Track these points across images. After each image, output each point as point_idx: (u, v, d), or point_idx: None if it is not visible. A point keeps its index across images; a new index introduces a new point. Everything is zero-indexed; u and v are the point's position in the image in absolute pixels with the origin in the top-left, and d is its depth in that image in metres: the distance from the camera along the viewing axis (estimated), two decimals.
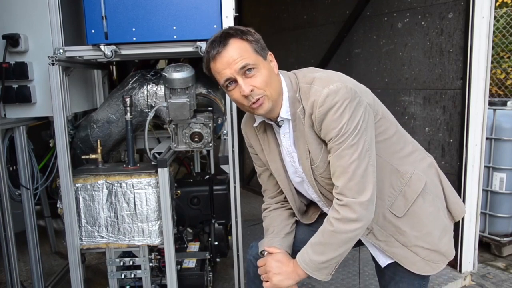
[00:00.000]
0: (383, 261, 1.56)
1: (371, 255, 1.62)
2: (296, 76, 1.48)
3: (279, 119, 1.48)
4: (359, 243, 1.58)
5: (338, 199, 1.39)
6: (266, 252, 1.59)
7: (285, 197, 1.67)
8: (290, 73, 1.51)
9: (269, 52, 1.46)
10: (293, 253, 1.65)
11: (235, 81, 1.38)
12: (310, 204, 1.73)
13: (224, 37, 1.38)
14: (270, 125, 1.56)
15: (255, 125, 1.57)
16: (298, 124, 1.45)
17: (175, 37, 2.12)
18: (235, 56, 1.36)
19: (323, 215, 1.68)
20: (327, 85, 1.36)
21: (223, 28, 1.46)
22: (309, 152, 1.45)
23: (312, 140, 1.43)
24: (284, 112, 1.46)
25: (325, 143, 1.41)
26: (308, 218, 1.71)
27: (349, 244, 1.41)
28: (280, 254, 1.55)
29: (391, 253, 1.50)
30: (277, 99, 1.43)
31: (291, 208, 1.69)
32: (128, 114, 2.25)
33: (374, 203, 1.39)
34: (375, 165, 1.39)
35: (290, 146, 1.52)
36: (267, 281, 1.51)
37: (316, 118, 1.37)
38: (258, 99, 1.39)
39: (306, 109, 1.41)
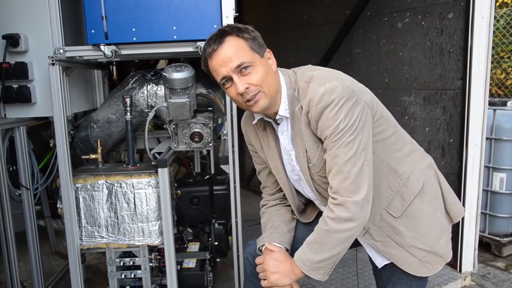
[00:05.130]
0: (380, 262, 1.56)
1: (368, 256, 1.61)
2: (296, 74, 1.48)
3: (277, 117, 1.48)
4: (357, 244, 1.57)
5: (333, 198, 1.37)
6: (263, 248, 1.59)
7: (284, 195, 1.68)
8: (290, 71, 1.50)
9: (268, 50, 1.45)
10: (292, 252, 1.65)
11: (231, 79, 1.39)
12: (308, 203, 1.73)
13: (220, 35, 1.38)
14: (269, 123, 1.56)
15: (254, 122, 1.57)
16: (296, 122, 1.45)
17: (175, 37, 2.12)
18: (230, 53, 1.36)
19: (321, 214, 1.69)
20: (323, 83, 1.36)
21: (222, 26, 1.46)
22: (306, 151, 1.45)
23: (308, 138, 1.43)
24: (283, 110, 1.46)
25: (321, 142, 1.41)
26: (306, 217, 1.71)
27: (345, 244, 1.40)
28: (278, 252, 1.54)
29: (388, 254, 1.50)
30: (274, 97, 1.43)
31: (289, 206, 1.69)
32: (128, 114, 2.25)
33: (369, 203, 1.37)
34: (371, 164, 1.38)
35: (287, 144, 1.52)
36: (264, 279, 1.51)
37: (312, 117, 1.37)
38: (254, 96, 1.39)
39: (303, 107, 1.41)
